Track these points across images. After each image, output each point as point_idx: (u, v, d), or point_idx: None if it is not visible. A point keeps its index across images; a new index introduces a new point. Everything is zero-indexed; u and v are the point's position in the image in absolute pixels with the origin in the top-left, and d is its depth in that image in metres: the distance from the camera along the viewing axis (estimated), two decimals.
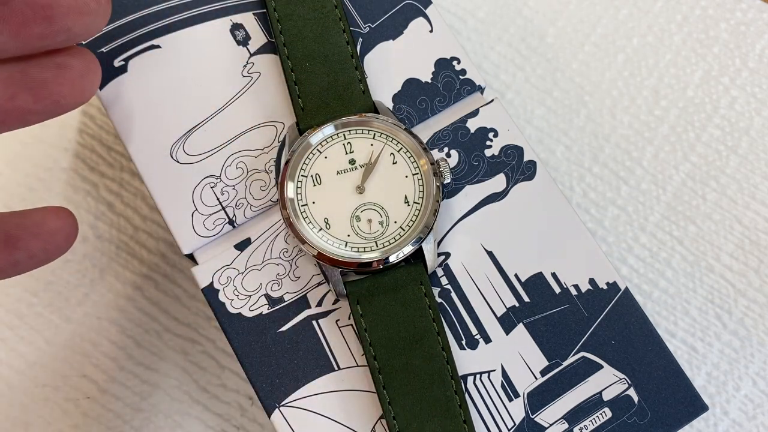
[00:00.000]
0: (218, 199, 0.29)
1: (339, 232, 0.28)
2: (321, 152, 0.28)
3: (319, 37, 0.30)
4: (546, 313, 0.28)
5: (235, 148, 0.29)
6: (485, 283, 0.28)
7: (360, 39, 0.31)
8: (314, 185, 0.28)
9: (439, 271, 0.28)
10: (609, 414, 0.27)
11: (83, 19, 0.24)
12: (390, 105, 0.30)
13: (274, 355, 0.28)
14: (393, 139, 0.28)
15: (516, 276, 0.28)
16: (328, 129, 0.28)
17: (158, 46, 0.30)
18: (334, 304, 0.28)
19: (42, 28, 0.23)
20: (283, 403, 0.27)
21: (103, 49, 0.30)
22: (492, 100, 0.30)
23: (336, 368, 0.28)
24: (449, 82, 0.30)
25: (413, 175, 0.28)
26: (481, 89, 0.31)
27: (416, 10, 0.31)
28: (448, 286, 0.28)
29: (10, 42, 0.22)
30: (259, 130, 0.30)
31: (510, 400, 0.27)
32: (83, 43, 0.30)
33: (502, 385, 0.27)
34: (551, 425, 0.27)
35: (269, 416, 0.27)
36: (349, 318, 0.28)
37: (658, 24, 0.40)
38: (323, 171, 0.28)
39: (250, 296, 0.28)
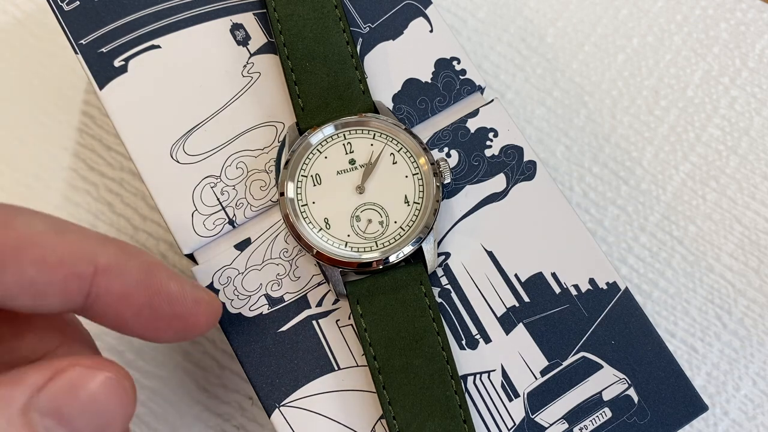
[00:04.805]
0: (218, 199, 0.29)
1: (339, 232, 0.28)
2: (321, 152, 0.28)
3: (319, 37, 0.30)
4: (546, 313, 0.28)
5: (235, 148, 0.29)
6: (485, 283, 0.28)
7: (360, 39, 0.31)
8: (314, 185, 0.28)
9: (439, 271, 0.28)
10: (609, 414, 0.27)
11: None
12: (390, 105, 0.30)
13: (274, 355, 0.28)
14: (393, 139, 0.28)
15: (516, 276, 0.28)
16: (328, 129, 0.28)
17: (158, 46, 0.30)
18: (334, 304, 0.28)
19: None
20: (283, 403, 0.27)
21: (103, 49, 0.30)
22: (492, 100, 0.30)
23: (336, 368, 0.28)
24: (449, 82, 0.30)
25: (413, 175, 0.28)
26: (481, 89, 0.31)
27: (416, 10, 0.31)
28: (448, 286, 0.28)
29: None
30: (259, 130, 0.30)
31: (510, 400, 0.27)
32: (83, 43, 0.30)
33: (502, 385, 0.27)
34: (551, 425, 0.27)
35: (269, 416, 0.27)
36: (349, 318, 0.28)
37: (658, 24, 0.40)
38: (323, 171, 0.28)
39: (250, 296, 0.28)
